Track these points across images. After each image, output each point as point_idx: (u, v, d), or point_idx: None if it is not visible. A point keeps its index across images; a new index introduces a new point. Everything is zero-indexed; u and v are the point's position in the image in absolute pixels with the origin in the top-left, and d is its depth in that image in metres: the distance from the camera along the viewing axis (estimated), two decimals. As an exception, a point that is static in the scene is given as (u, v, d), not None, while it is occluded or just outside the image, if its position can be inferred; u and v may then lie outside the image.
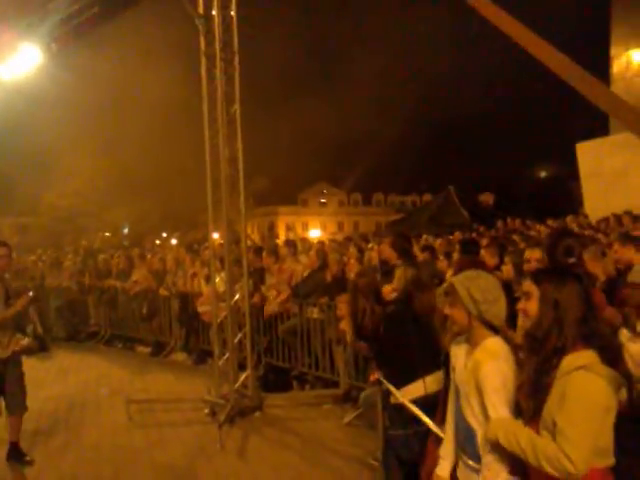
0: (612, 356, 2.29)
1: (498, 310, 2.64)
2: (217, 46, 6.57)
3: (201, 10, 6.77)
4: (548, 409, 2.27)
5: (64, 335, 11.63)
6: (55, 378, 8.77)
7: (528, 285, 2.49)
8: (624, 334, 3.32)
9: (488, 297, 2.62)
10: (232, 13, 6.70)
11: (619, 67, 20.29)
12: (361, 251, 9.98)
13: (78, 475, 5.21)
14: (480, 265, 3.81)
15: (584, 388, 2.20)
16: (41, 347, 10.70)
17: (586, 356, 2.26)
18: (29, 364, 9.89)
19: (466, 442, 2.68)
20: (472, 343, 2.70)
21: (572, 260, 4.09)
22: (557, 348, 2.31)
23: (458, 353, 2.80)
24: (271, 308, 8.00)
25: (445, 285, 2.85)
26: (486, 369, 2.52)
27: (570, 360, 2.26)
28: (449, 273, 4.47)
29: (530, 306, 2.46)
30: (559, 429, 2.19)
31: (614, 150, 15.62)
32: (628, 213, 12.51)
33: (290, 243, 9.73)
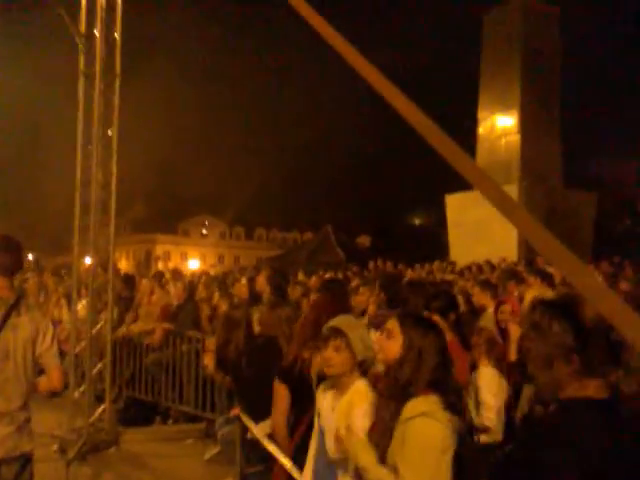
0: (454, 400, 2.40)
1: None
2: (97, 67, 6.38)
3: (83, 29, 6.54)
4: (391, 453, 2.33)
5: None
6: None
7: (392, 324, 2.52)
8: None
9: (370, 345, 2.80)
10: (116, 35, 6.56)
11: (485, 129, 22.28)
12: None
13: None
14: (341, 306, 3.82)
15: (421, 433, 2.27)
16: None
17: (428, 402, 2.32)
18: None
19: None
20: (341, 386, 2.77)
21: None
22: (409, 394, 2.37)
23: (323, 397, 2.86)
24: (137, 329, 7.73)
25: (327, 330, 2.81)
26: (357, 411, 2.63)
27: (412, 406, 2.33)
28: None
29: (391, 346, 2.48)
30: (400, 473, 2.25)
31: (478, 202, 16.92)
32: (488, 262, 13.69)
33: (157, 276, 9.49)
